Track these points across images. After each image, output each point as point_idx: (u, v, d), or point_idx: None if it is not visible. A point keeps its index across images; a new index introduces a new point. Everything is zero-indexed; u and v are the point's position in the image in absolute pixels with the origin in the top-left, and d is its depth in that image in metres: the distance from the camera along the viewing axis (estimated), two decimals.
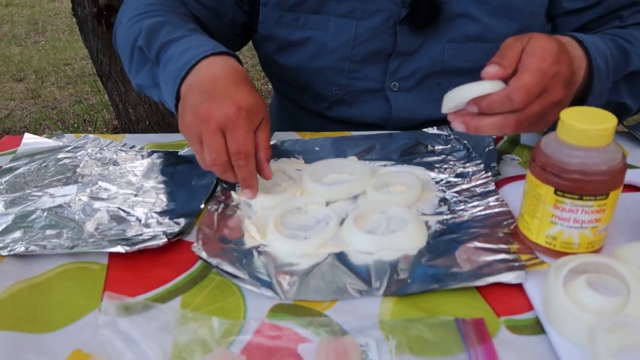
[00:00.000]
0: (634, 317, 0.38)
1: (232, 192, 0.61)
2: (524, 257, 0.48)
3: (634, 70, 0.63)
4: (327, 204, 0.59)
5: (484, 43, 0.72)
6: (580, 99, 0.61)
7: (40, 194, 0.63)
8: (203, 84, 0.57)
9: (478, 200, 0.57)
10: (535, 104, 0.50)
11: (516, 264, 0.47)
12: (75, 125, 2.89)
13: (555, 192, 0.45)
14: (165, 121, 2.50)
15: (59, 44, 4.35)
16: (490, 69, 0.51)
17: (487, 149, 0.66)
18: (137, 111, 2.42)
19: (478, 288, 0.46)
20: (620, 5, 0.72)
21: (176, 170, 0.67)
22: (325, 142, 0.71)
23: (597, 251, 0.47)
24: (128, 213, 0.59)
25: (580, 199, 0.44)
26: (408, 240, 0.51)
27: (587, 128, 0.43)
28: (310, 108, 0.84)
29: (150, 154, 0.71)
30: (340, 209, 0.58)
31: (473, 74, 0.67)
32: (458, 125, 0.53)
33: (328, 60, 0.76)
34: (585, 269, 0.44)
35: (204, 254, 0.49)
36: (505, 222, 0.53)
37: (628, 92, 0.65)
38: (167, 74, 0.62)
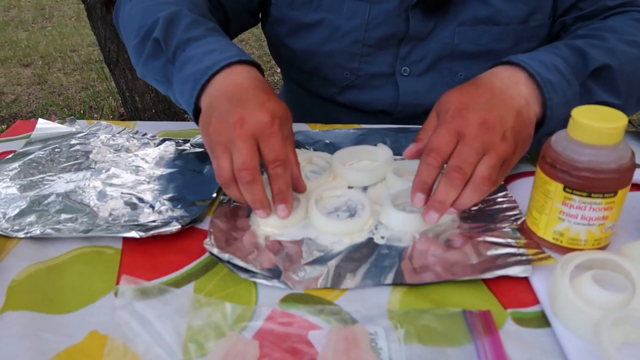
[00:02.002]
0: (639, 312, 0.39)
1: None
2: (531, 251, 0.48)
3: (598, 67, 0.58)
4: (351, 188, 0.61)
5: (494, 26, 0.72)
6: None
7: (54, 178, 0.64)
8: (231, 91, 0.55)
9: (487, 195, 0.57)
10: (459, 145, 0.49)
11: (523, 258, 0.48)
12: (82, 111, 2.90)
13: (564, 189, 0.45)
14: (172, 110, 2.51)
15: (65, 30, 4.35)
16: (408, 149, 0.55)
17: None
18: (143, 99, 2.43)
19: (485, 281, 0.47)
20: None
21: (188, 158, 0.68)
22: (337, 135, 0.72)
23: (603, 248, 0.48)
24: (141, 199, 0.60)
25: (589, 196, 0.45)
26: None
27: (597, 126, 0.43)
28: (320, 93, 0.84)
29: (162, 141, 0.72)
30: (372, 195, 0.60)
31: (483, 57, 0.68)
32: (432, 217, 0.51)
33: (340, 43, 0.76)
34: (592, 265, 0.44)
35: (215, 250, 0.50)
36: (513, 218, 0.53)
37: (603, 90, 0.59)
38: (186, 75, 0.59)
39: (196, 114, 0.59)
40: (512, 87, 0.54)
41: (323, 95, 0.84)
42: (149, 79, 0.69)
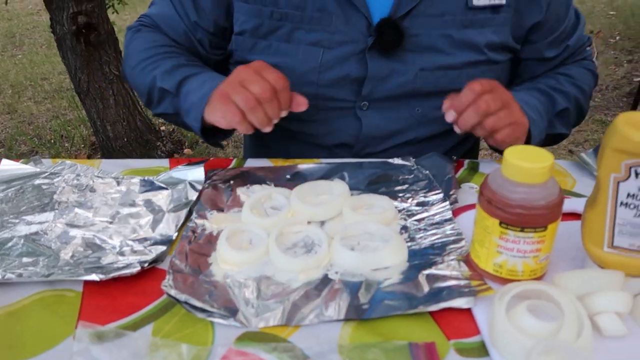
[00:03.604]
0: (566, 341, 0.42)
1: (205, 221, 0.64)
2: (474, 283, 0.51)
3: (561, 109, 0.80)
4: (310, 223, 0.63)
5: (451, 70, 0.78)
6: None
7: (17, 221, 0.65)
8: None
9: (436, 228, 0.61)
10: (488, 94, 0.66)
11: (467, 289, 0.51)
12: (52, 141, 2.87)
13: (500, 224, 0.49)
14: (144, 138, 2.51)
15: (36, 58, 4.32)
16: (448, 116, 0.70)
17: (446, 177, 0.70)
18: (115, 128, 2.43)
19: (431, 312, 0.50)
20: (575, 49, 0.85)
21: (151, 197, 0.70)
22: (298, 170, 0.75)
23: (540, 278, 0.52)
24: (104, 241, 0.61)
25: (522, 231, 0.48)
26: (391, 256, 0.55)
27: (527, 166, 0.47)
28: (282, 128, 0.87)
29: (126, 180, 0.74)
30: (329, 229, 0.62)
31: (440, 95, 0.73)
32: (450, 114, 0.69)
33: (297, 84, 0.80)
34: (528, 295, 0.48)
35: (172, 292, 0.51)
36: (459, 250, 0.57)
37: (560, 124, 0.82)
38: (190, 103, 0.73)
39: (204, 133, 0.74)
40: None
41: (284, 130, 0.87)
42: (165, 117, 0.84)
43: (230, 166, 0.78)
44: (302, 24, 0.77)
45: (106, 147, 2.50)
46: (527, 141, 0.74)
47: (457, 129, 0.70)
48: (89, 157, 2.67)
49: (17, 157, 2.64)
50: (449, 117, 0.69)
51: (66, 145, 2.82)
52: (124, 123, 2.44)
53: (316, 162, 0.78)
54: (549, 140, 0.83)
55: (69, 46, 2.21)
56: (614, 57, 3.78)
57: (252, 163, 0.79)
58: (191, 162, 0.77)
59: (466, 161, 0.78)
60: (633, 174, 0.44)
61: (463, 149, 0.91)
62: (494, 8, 0.76)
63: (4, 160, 0.78)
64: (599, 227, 0.49)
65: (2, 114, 3.27)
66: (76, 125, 3.01)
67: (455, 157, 0.77)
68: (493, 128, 0.67)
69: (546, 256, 0.50)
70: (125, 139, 2.46)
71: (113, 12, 2.62)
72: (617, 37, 4.18)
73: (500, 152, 0.68)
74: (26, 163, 0.79)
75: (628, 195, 0.46)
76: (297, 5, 0.76)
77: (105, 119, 2.40)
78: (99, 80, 2.31)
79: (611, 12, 4.94)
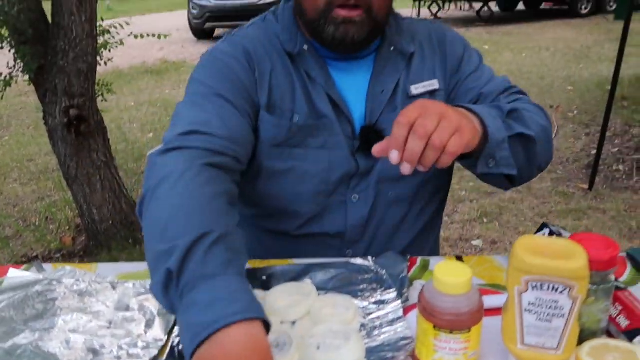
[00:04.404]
0: None
1: None
2: None
3: (509, 110, 0.82)
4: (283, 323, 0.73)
5: None
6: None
7: (24, 327, 0.74)
8: None
9: (389, 326, 0.72)
10: (419, 118, 0.65)
11: None
12: (37, 223, 2.93)
13: (434, 328, 0.60)
14: (129, 220, 2.59)
15: (23, 139, 4.44)
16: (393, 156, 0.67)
17: (400, 276, 0.82)
18: (101, 212, 2.51)
19: None
20: (496, 95, 0.92)
21: (144, 301, 0.80)
22: (272, 271, 0.86)
23: None
24: (102, 345, 0.70)
25: (451, 333, 0.59)
26: (352, 354, 0.65)
27: (452, 281, 0.59)
28: (278, 228, 0.99)
29: (121, 285, 0.84)
30: (298, 328, 0.72)
31: (406, 179, 0.88)
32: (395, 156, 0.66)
33: (310, 184, 0.93)
34: None
35: None
36: (407, 347, 0.67)
37: (518, 124, 0.81)
38: (187, 321, 0.59)
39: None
40: (460, 110, 0.74)
41: (280, 229, 0.99)
42: (156, 297, 0.65)
43: None
44: (311, 130, 0.91)
45: (91, 229, 2.57)
46: (486, 137, 0.75)
47: (404, 169, 0.66)
48: (74, 239, 2.73)
49: (0, 241, 2.70)
50: (394, 157, 0.66)
51: (51, 227, 2.88)
52: (110, 206, 2.53)
53: (289, 262, 0.89)
54: (524, 156, 0.83)
55: (60, 136, 2.34)
56: (572, 130, 4.05)
57: None
58: None
59: (419, 259, 0.91)
60: (531, 287, 0.57)
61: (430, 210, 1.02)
62: (431, 93, 0.95)
63: (11, 270, 0.88)
64: (512, 328, 0.60)
65: None
66: (61, 207, 3.08)
67: (409, 256, 0.89)
68: (442, 143, 0.64)
69: (475, 352, 0.61)
70: (111, 222, 2.54)
71: (102, 100, 2.78)
72: (575, 111, 4.49)
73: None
74: (28, 269, 0.89)
75: (529, 303, 0.58)
76: (308, 117, 0.91)
77: (92, 202, 2.50)
78: (87, 166, 2.43)
79: (569, 87, 5.32)
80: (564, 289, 0.56)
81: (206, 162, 0.75)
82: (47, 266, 0.90)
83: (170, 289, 0.62)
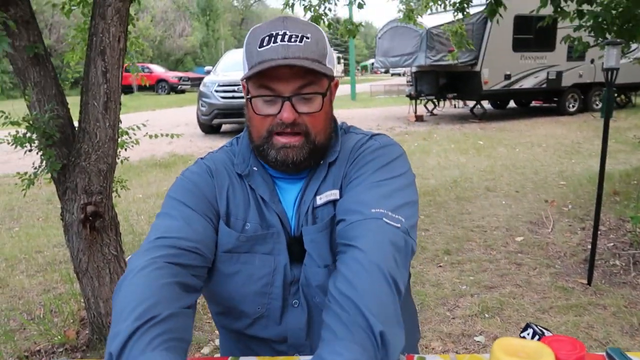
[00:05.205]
0: None
1: None
2: None
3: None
4: None
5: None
6: None
7: None
8: None
9: None
10: None
11: None
12: (42, 315, 2.95)
13: None
14: None
15: (32, 230, 4.53)
16: None
17: None
18: (107, 305, 2.55)
19: None
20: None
21: None
22: None
23: None
24: None
25: None
26: None
27: None
28: (234, 327, 1.06)
29: None
30: None
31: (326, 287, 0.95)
32: None
33: (255, 286, 1.02)
34: None
35: None
36: None
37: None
38: None
39: None
40: None
41: (235, 328, 1.07)
42: None
43: None
44: (260, 238, 1.02)
45: (96, 322, 2.59)
46: None
47: None
48: (78, 333, 2.74)
49: (5, 334, 2.71)
50: None
51: (56, 320, 2.90)
52: None
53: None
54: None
55: (74, 231, 2.45)
56: (568, 224, 4.16)
57: None
58: None
59: (415, 356, 0.97)
60: None
61: None
62: (333, 202, 1.01)
63: None
64: None
65: None
66: (67, 299, 3.11)
67: (405, 353, 0.95)
68: None
69: None
70: None
71: (116, 197, 2.92)
72: (570, 206, 4.62)
73: None
74: None
75: None
76: (259, 226, 1.02)
77: (99, 296, 2.54)
78: (98, 260, 2.51)
79: (562, 182, 5.51)
80: None
81: (168, 260, 0.88)
82: None
83: None
